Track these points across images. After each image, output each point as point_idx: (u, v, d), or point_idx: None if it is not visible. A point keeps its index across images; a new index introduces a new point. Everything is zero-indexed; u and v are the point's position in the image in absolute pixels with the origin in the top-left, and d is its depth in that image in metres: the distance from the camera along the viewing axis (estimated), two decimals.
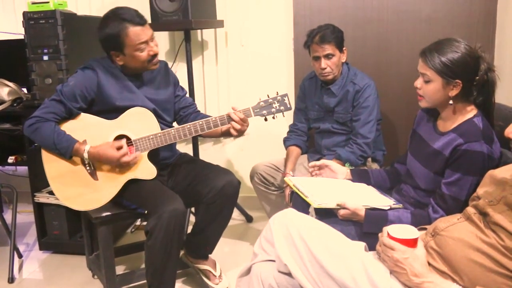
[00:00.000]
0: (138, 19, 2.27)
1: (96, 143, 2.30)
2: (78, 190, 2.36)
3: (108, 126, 2.35)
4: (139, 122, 2.34)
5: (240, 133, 2.33)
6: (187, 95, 2.68)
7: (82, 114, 2.36)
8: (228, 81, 3.59)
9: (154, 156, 2.40)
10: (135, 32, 2.25)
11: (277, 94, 2.29)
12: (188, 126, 2.30)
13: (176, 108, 2.58)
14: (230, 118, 2.29)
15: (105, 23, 2.29)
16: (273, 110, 2.30)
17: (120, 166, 2.31)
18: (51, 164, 2.36)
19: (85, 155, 2.27)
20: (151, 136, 2.31)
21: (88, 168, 2.35)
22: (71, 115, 2.34)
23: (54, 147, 2.27)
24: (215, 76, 3.60)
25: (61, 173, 2.36)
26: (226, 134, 2.41)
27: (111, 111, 2.35)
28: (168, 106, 2.51)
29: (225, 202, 2.39)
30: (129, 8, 2.31)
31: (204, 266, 2.62)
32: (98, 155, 2.27)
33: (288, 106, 2.29)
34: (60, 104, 2.30)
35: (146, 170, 2.34)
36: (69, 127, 2.33)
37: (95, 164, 2.34)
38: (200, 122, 2.30)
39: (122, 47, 2.27)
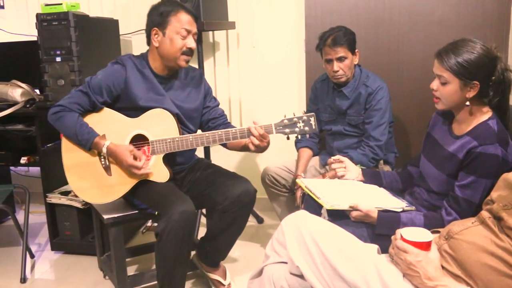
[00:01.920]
0: (193, 13, 2.36)
1: (114, 139, 2.33)
2: (91, 182, 2.38)
3: (128, 124, 2.36)
4: (159, 124, 2.34)
5: (259, 149, 2.26)
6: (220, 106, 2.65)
7: (105, 108, 2.38)
8: (239, 82, 3.59)
9: (170, 160, 2.40)
10: (184, 17, 2.32)
11: (304, 113, 2.23)
12: (207, 135, 2.29)
13: (205, 118, 2.56)
14: (250, 133, 2.23)
15: (163, 2, 2.39)
16: (296, 129, 2.22)
17: (129, 170, 2.32)
18: (69, 153, 2.39)
19: (104, 150, 2.30)
20: (169, 140, 2.31)
21: (103, 162, 2.37)
22: (94, 108, 2.36)
23: (75, 138, 2.31)
24: (226, 78, 3.60)
25: (77, 163, 2.38)
26: (246, 149, 2.34)
27: (134, 109, 2.36)
28: (194, 115, 2.50)
29: (240, 210, 2.36)
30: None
31: (213, 276, 2.60)
32: (116, 154, 2.29)
33: (313, 127, 2.21)
34: (86, 96, 2.33)
35: (159, 173, 2.35)
36: (90, 120, 2.36)
37: (110, 160, 2.36)
38: (219, 133, 2.27)
39: (166, 25, 2.31)
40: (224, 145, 2.49)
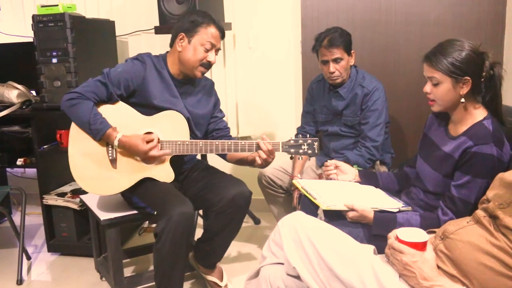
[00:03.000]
0: (222, 30, 2.42)
1: (124, 133, 2.33)
2: (94, 173, 2.36)
3: (141, 120, 2.37)
4: (171, 126, 2.36)
5: (265, 164, 2.33)
6: (224, 118, 2.70)
7: (120, 102, 2.39)
8: (235, 83, 3.59)
9: (176, 162, 2.41)
10: (213, 32, 2.37)
11: (308, 137, 2.31)
12: (217, 143, 2.33)
13: (210, 128, 2.60)
14: (258, 147, 2.29)
15: (197, 11, 2.45)
16: (300, 151, 2.30)
17: (145, 160, 2.33)
18: (76, 141, 2.37)
19: (115, 143, 2.30)
20: (179, 142, 2.33)
21: (110, 154, 2.36)
22: (110, 99, 2.37)
23: (88, 126, 2.30)
24: (223, 79, 3.60)
25: (83, 152, 2.36)
26: (247, 163, 2.46)
27: (147, 107, 2.38)
28: (201, 122, 2.53)
29: (235, 212, 2.38)
30: None
31: (210, 277, 2.61)
32: (128, 145, 2.30)
33: (316, 152, 2.30)
34: (104, 86, 2.33)
35: (164, 173, 2.36)
36: (104, 111, 2.35)
37: (118, 153, 2.36)
38: (229, 142, 2.32)
39: (194, 34, 2.35)
40: (223, 157, 2.57)
